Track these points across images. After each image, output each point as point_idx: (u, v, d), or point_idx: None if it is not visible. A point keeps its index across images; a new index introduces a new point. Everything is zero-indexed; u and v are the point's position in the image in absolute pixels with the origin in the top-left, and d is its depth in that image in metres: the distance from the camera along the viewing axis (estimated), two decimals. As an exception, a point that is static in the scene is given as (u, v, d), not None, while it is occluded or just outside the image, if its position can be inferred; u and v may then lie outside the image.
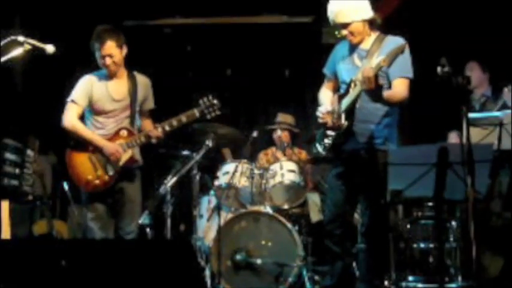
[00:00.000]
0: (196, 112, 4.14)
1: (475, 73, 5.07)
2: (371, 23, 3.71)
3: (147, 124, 4.30)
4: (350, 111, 3.62)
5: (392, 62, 3.36)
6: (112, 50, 4.03)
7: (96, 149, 4.08)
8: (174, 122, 4.12)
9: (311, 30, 6.50)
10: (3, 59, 3.33)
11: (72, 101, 4.13)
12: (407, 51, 3.53)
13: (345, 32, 3.65)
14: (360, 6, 3.65)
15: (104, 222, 4.12)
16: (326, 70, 3.95)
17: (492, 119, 4.31)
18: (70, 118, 4.12)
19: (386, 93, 3.54)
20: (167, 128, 4.11)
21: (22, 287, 2.75)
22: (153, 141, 4.15)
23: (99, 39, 4.03)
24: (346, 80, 3.71)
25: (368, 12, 3.67)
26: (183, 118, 4.13)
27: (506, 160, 4.39)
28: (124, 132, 4.14)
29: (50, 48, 3.44)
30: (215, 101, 4.18)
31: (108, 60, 4.04)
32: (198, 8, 6.59)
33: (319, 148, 3.80)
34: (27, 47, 3.35)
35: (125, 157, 4.11)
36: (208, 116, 4.19)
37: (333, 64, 3.89)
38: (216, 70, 6.97)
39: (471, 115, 3.61)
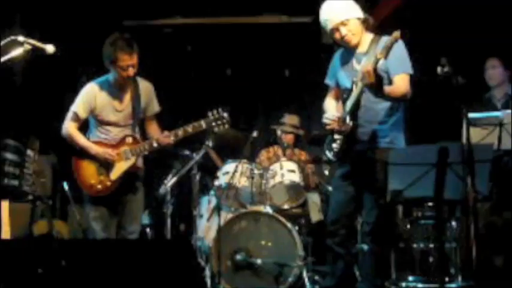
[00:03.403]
0: (203, 124, 4.11)
1: (497, 70, 4.87)
2: (364, 25, 3.73)
3: (153, 129, 4.29)
4: (354, 112, 3.62)
5: (389, 53, 3.36)
6: (136, 60, 4.02)
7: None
8: (180, 132, 4.11)
9: (311, 30, 6.49)
10: (3, 59, 3.32)
11: (74, 112, 4.14)
12: (402, 47, 3.55)
13: (344, 31, 3.65)
14: (353, 5, 3.72)
15: (106, 222, 4.13)
16: (328, 80, 3.96)
17: (492, 119, 4.30)
18: (68, 128, 4.15)
19: (387, 88, 3.55)
20: (172, 138, 4.11)
21: (22, 287, 2.75)
22: (163, 148, 4.15)
23: (130, 49, 3.97)
24: (347, 85, 3.71)
25: (360, 12, 3.72)
26: (189, 129, 4.11)
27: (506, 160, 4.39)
28: (129, 139, 4.15)
29: (50, 48, 3.43)
30: (225, 114, 4.14)
31: (131, 71, 4.02)
32: (198, 8, 6.59)
33: (329, 155, 3.80)
34: (27, 47, 3.35)
35: (127, 164, 4.12)
36: (216, 129, 4.16)
37: (333, 73, 3.90)
38: (216, 70, 6.97)
39: (471, 115, 3.60)
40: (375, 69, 3.39)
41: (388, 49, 3.36)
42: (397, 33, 3.38)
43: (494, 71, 4.88)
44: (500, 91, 4.91)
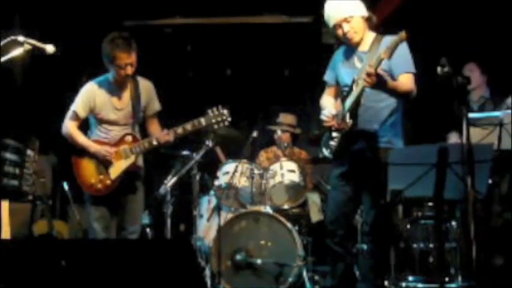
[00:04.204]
0: (203, 121, 4.10)
1: (474, 74, 4.99)
2: (367, 23, 3.73)
3: (155, 128, 4.29)
4: (354, 111, 3.61)
5: (393, 53, 3.34)
6: (134, 59, 4.02)
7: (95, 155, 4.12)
8: (180, 130, 4.10)
9: (311, 30, 6.50)
10: (3, 59, 3.33)
11: (74, 111, 4.15)
12: (405, 47, 3.54)
13: (347, 27, 3.65)
14: (357, 2, 3.72)
15: (107, 222, 4.14)
16: (327, 77, 3.95)
17: (492, 119, 4.31)
18: (68, 127, 4.16)
19: (392, 84, 3.53)
20: (172, 135, 4.10)
21: (22, 287, 2.75)
22: (163, 146, 4.15)
23: (128, 47, 3.97)
24: (348, 83, 3.71)
25: (365, 10, 3.72)
26: (189, 127, 4.10)
27: (506, 160, 4.39)
28: (129, 138, 4.15)
29: (50, 48, 3.43)
30: (225, 111, 4.12)
31: (129, 70, 4.02)
32: (198, 8, 6.59)
33: (326, 152, 3.79)
34: (27, 47, 3.35)
35: (127, 162, 4.12)
36: (216, 126, 4.14)
37: (333, 70, 3.90)
38: (216, 70, 6.97)
39: (471, 115, 3.60)
40: (377, 71, 3.37)
41: (392, 49, 3.34)
42: (403, 34, 3.35)
43: (471, 74, 4.97)
44: (476, 94, 5.07)
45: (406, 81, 3.59)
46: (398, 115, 3.74)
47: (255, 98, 6.89)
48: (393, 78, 3.61)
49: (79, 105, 4.13)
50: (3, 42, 3.32)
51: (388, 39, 3.54)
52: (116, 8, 6.26)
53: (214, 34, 6.78)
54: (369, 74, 3.35)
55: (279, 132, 5.71)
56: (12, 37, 3.33)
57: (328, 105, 3.85)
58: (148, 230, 5.66)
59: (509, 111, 4.35)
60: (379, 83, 3.41)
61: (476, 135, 4.08)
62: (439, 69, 3.21)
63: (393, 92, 3.58)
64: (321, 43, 6.19)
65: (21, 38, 3.33)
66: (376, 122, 3.69)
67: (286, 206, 5.12)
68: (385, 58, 3.35)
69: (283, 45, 6.73)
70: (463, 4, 5.44)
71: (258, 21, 6.77)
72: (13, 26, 5.49)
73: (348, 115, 3.63)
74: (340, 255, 3.78)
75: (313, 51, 6.39)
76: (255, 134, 5.17)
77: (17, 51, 3.35)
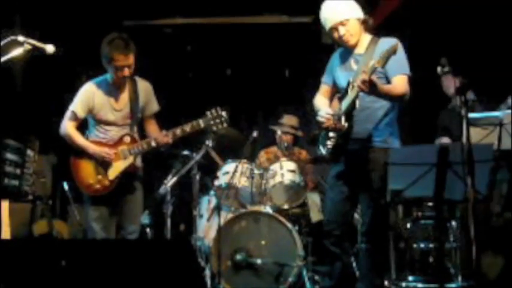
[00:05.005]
0: (201, 123, 4.10)
1: (452, 81, 5.00)
2: (363, 25, 3.73)
3: (152, 129, 4.29)
4: (350, 113, 3.62)
5: (386, 62, 3.36)
6: (132, 61, 4.01)
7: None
8: (178, 132, 4.10)
9: (311, 30, 6.50)
10: (3, 59, 3.33)
11: (72, 111, 4.14)
12: (400, 50, 3.54)
13: (343, 30, 3.65)
14: (353, 5, 3.72)
15: (106, 222, 4.14)
16: (324, 79, 3.97)
17: (492, 119, 4.31)
18: (67, 127, 4.16)
19: (386, 87, 3.54)
20: (171, 137, 4.10)
21: (22, 287, 2.75)
22: (161, 147, 4.16)
23: (126, 49, 3.96)
24: (344, 85, 3.72)
25: (361, 12, 3.73)
26: (187, 128, 4.10)
27: (506, 160, 4.39)
28: (127, 139, 4.15)
29: (50, 48, 3.43)
30: (223, 113, 4.13)
31: (127, 71, 4.01)
32: (198, 8, 6.59)
33: (323, 150, 3.80)
34: (27, 47, 3.35)
35: (125, 163, 4.12)
36: (215, 128, 4.14)
37: (330, 72, 3.91)
38: (216, 70, 6.97)
39: (471, 115, 3.60)
40: (370, 78, 3.38)
41: (385, 59, 3.35)
42: (395, 45, 3.37)
43: (453, 80, 4.94)
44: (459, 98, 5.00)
45: (400, 83, 3.59)
46: (394, 114, 3.75)
47: (255, 98, 6.89)
48: (388, 80, 3.61)
49: (78, 105, 4.13)
50: (3, 42, 3.32)
51: (384, 42, 3.55)
52: (116, 8, 6.27)
53: (214, 34, 6.79)
54: (363, 81, 3.36)
55: (279, 132, 5.71)
56: (12, 37, 3.33)
57: (323, 106, 3.86)
58: (148, 230, 5.66)
59: (509, 111, 4.35)
60: (373, 89, 3.42)
61: (476, 135, 4.08)
62: (439, 69, 3.22)
63: (387, 96, 3.58)
64: (321, 43, 6.19)
65: (21, 38, 3.33)
66: (372, 122, 3.69)
67: (286, 206, 5.11)
68: (379, 67, 3.36)
69: (283, 45, 6.73)
70: (462, 4, 5.44)
71: (258, 21, 6.78)
72: (13, 26, 5.49)
73: (343, 117, 3.64)
74: (337, 256, 3.78)
75: (313, 51, 6.39)
76: (255, 134, 5.16)
77: (17, 51, 3.35)
